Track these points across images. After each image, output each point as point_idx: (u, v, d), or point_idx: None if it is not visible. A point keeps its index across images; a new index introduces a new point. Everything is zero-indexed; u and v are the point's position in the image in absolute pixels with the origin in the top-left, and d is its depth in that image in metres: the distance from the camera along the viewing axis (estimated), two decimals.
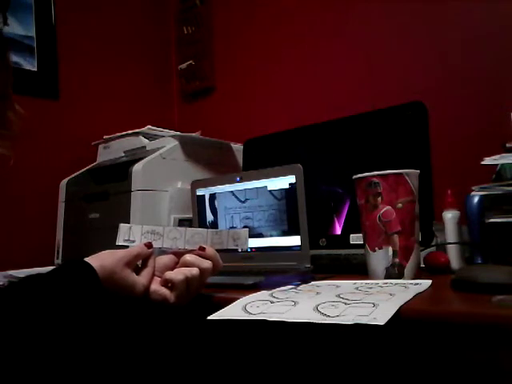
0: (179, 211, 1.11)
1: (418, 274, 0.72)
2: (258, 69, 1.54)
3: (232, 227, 0.96)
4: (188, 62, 1.71)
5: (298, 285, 0.71)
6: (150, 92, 1.71)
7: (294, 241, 0.87)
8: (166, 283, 0.65)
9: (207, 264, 0.66)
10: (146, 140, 1.24)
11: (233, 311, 0.57)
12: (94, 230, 1.17)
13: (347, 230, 0.99)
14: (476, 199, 0.78)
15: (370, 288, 0.63)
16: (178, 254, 0.69)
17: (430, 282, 0.65)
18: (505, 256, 0.72)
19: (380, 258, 0.71)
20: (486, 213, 0.76)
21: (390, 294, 0.57)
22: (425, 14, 1.18)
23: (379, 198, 0.71)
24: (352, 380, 0.61)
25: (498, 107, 0.88)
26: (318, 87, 1.38)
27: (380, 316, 0.48)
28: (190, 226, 1.04)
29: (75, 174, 1.33)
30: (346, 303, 0.55)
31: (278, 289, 0.68)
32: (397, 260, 0.70)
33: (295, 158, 0.96)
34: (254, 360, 0.70)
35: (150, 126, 1.27)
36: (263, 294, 0.64)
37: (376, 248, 0.72)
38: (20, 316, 0.52)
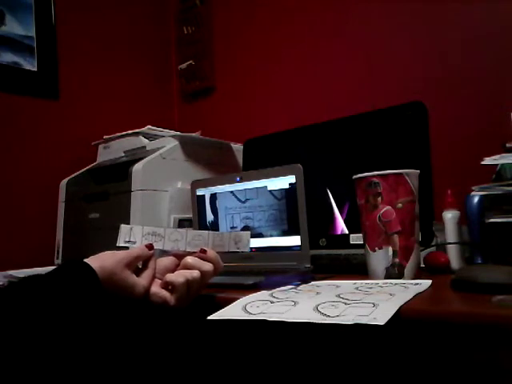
0: (179, 211, 1.11)
1: (418, 274, 0.72)
2: (258, 69, 1.54)
3: (232, 227, 0.96)
4: (188, 62, 1.71)
5: (298, 285, 0.71)
6: (150, 92, 1.71)
7: (294, 241, 0.87)
8: (167, 285, 0.65)
9: (208, 266, 0.66)
10: (146, 140, 1.24)
11: (233, 311, 0.57)
12: (94, 230, 1.17)
13: (347, 230, 0.99)
14: (476, 199, 0.78)
15: (370, 288, 0.63)
16: (179, 256, 0.68)
17: (429, 281, 0.65)
18: (505, 256, 0.72)
19: (380, 258, 0.71)
20: (486, 213, 0.76)
21: (390, 294, 0.57)
22: (425, 14, 1.18)
23: (379, 198, 0.71)
24: (352, 380, 0.61)
25: (498, 107, 0.88)
26: (318, 87, 1.38)
27: (380, 316, 0.48)
28: (190, 225, 1.04)
29: (75, 174, 1.33)
30: (346, 303, 0.55)
31: (277, 289, 0.68)
32: (397, 260, 0.70)
33: (295, 157, 0.96)
34: (254, 360, 0.70)
35: (149, 126, 1.27)
36: (263, 294, 0.64)
37: (376, 248, 0.72)
38: (19, 316, 0.52)
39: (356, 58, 1.31)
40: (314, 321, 0.50)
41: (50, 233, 1.30)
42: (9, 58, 1.36)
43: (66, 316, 0.55)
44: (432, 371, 0.53)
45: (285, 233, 0.89)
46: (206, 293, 0.69)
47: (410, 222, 0.71)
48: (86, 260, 0.60)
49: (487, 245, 0.77)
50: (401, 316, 0.50)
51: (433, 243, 0.87)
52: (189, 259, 0.66)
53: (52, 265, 1.21)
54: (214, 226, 0.98)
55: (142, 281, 0.63)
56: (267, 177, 0.92)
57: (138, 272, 0.65)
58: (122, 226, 0.70)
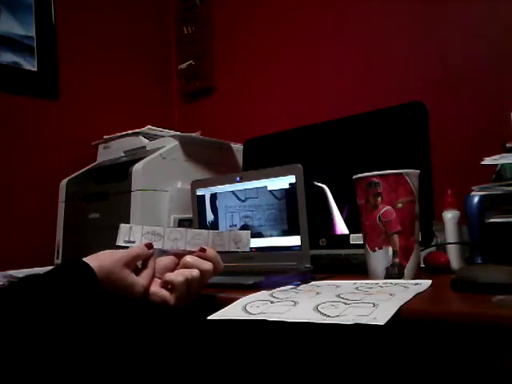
0: (179, 211, 1.11)
1: (418, 274, 0.72)
2: (258, 69, 1.54)
3: (232, 226, 0.96)
4: (188, 62, 1.71)
5: (298, 285, 0.71)
6: (150, 92, 1.71)
7: (294, 241, 0.87)
8: (166, 285, 0.64)
9: (208, 265, 0.66)
10: (146, 140, 1.24)
11: (233, 311, 0.57)
12: (94, 230, 1.17)
13: (347, 230, 0.99)
14: (476, 199, 0.78)
15: (370, 288, 0.63)
16: (179, 256, 0.68)
17: (429, 281, 0.65)
18: (505, 256, 0.72)
19: (380, 258, 0.71)
20: (486, 213, 0.76)
21: (390, 294, 0.57)
22: (425, 14, 1.18)
23: (379, 198, 0.71)
24: (352, 380, 0.61)
25: (498, 107, 0.88)
26: (318, 87, 1.38)
27: (380, 316, 0.48)
28: (190, 225, 1.04)
29: (75, 174, 1.33)
30: (346, 303, 0.55)
31: (278, 289, 0.68)
32: (397, 260, 0.70)
33: (295, 157, 0.96)
34: (254, 360, 0.70)
35: (149, 126, 1.27)
36: (263, 294, 0.64)
37: (376, 248, 0.72)
38: (17, 316, 0.52)
39: (356, 58, 1.31)
40: (314, 321, 0.50)
41: (50, 233, 1.30)
42: (9, 57, 1.36)
43: (64, 315, 0.55)
44: (432, 371, 0.53)
45: (285, 233, 0.89)
46: (206, 293, 0.69)
47: (409, 222, 0.71)
48: (84, 259, 0.59)
49: (487, 245, 0.77)
50: (401, 316, 0.50)
51: (433, 243, 0.87)
52: (188, 258, 0.66)
53: (52, 265, 1.21)
54: (214, 226, 0.98)
55: (141, 280, 0.63)
56: (267, 177, 0.92)
57: (138, 271, 0.65)
58: (122, 225, 0.70)
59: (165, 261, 0.68)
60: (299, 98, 1.42)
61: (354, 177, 0.75)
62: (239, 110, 1.58)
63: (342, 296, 0.59)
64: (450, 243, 0.81)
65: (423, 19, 1.18)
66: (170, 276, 0.64)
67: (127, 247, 0.67)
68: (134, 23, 1.68)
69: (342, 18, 1.34)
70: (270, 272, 0.82)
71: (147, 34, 1.72)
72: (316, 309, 0.53)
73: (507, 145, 0.77)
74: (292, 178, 0.88)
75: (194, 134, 1.22)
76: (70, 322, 0.55)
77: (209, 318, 0.57)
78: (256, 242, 0.92)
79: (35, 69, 1.41)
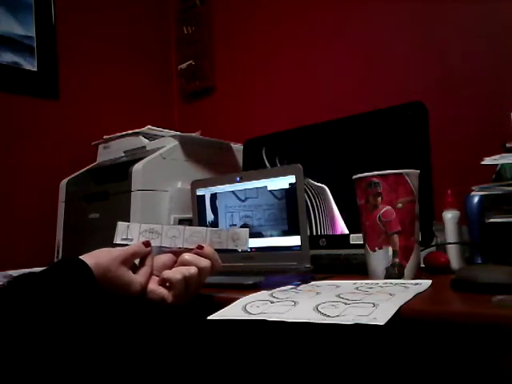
0: (179, 211, 1.11)
1: (418, 274, 0.72)
2: (258, 69, 1.54)
3: (232, 225, 0.96)
4: (188, 62, 1.71)
5: (298, 285, 0.71)
6: (150, 92, 1.71)
7: (294, 241, 0.87)
8: (164, 283, 0.64)
9: (205, 263, 0.66)
10: (146, 140, 1.24)
11: (233, 311, 0.57)
12: (94, 229, 1.17)
13: (347, 230, 0.99)
14: (476, 199, 0.78)
15: (370, 288, 0.63)
16: (177, 253, 0.68)
17: (429, 281, 0.65)
18: (505, 256, 0.72)
19: (380, 258, 0.71)
20: (486, 213, 0.76)
21: (390, 294, 0.57)
22: (425, 14, 1.18)
23: (379, 198, 0.71)
24: (352, 380, 0.61)
25: (498, 107, 0.88)
26: (318, 87, 1.38)
27: (380, 316, 0.48)
28: (190, 225, 1.04)
29: (75, 174, 1.33)
30: (346, 303, 0.55)
31: (278, 289, 0.68)
32: (397, 260, 0.70)
33: (295, 157, 0.96)
34: (254, 360, 0.70)
35: (149, 126, 1.27)
36: (263, 294, 0.64)
37: (376, 248, 0.72)
38: (14, 314, 0.52)
39: (356, 58, 1.31)
40: (314, 321, 0.50)
41: (50, 233, 1.30)
42: (9, 57, 1.36)
43: (60, 314, 0.54)
44: (432, 371, 0.53)
45: (285, 233, 0.89)
46: (206, 293, 0.69)
47: (410, 222, 0.71)
48: (81, 257, 0.59)
49: (487, 245, 0.77)
50: (401, 316, 0.50)
51: (433, 243, 0.87)
52: (186, 256, 0.66)
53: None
54: (214, 226, 0.98)
55: (138, 278, 0.63)
56: (267, 177, 0.92)
57: (135, 269, 0.64)
58: (119, 223, 0.70)
59: (163, 258, 0.68)
60: (299, 98, 1.42)
61: (354, 177, 0.75)
62: (239, 110, 1.58)
63: (342, 296, 0.59)
64: (450, 243, 0.81)
65: (423, 19, 1.18)
66: (167, 274, 0.64)
67: (125, 245, 0.66)
68: (134, 23, 1.68)
69: (341, 17, 1.34)
70: (270, 272, 0.82)
71: (147, 33, 1.72)
72: (316, 309, 0.53)
73: (507, 145, 0.77)
74: (292, 178, 0.88)
75: (193, 134, 1.22)
76: (67, 321, 0.55)
77: (209, 318, 0.57)
78: (256, 242, 0.92)
79: (35, 69, 1.41)
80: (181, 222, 1.09)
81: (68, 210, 1.28)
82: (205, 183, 1.02)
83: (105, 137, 1.36)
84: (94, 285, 0.58)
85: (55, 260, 1.27)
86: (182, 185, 1.12)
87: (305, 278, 0.77)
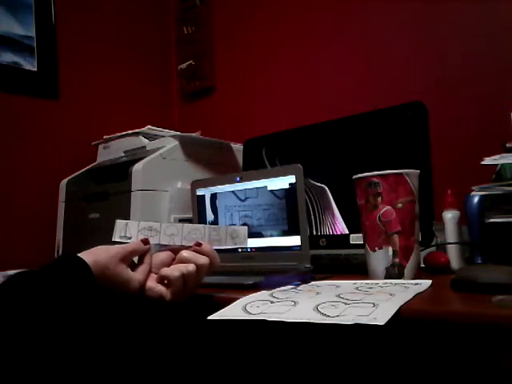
0: (179, 211, 1.11)
1: (418, 274, 0.72)
2: (258, 69, 1.54)
3: (231, 225, 0.95)
4: (188, 62, 1.71)
5: (298, 285, 0.71)
6: (150, 92, 1.71)
7: (294, 241, 0.87)
8: (162, 280, 0.64)
9: (204, 260, 0.65)
10: (146, 140, 1.24)
11: (233, 311, 0.57)
12: (94, 229, 1.17)
13: (347, 230, 0.99)
14: (476, 199, 0.78)
15: (370, 288, 0.63)
16: (176, 251, 0.68)
17: (429, 282, 0.65)
18: (505, 256, 0.72)
19: (380, 258, 0.71)
20: (486, 213, 0.76)
21: (390, 294, 0.57)
22: (425, 14, 1.18)
23: (379, 198, 0.71)
24: (352, 380, 0.61)
25: (498, 107, 0.88)
26: (318, 87, 1.38)
27: (380, 316, 0.48)
28: None
29: (75, 174, 1.33)
30: (346, 303, 0.55)
31: (278, 289, 0.68)
32: (397, 260, 0.70)
33: (295, 158, 0.96)
34: (254, 360, 0.70)
35: (149, 126, 1.27)
36: (263, 294, 0.64)
37: (376, 248, 0.72)
38: (11, 312, 0.51)
39: (356, 58, 1.31)
40: (314, 321, 0.50)
41: (50, 233, 1.30)
42: (9, 57, 1.36)
43: (59, 311, 0.54)
44: (432, 371, 0.53)
45: (285, 233, 0.89)
46: (206, 293, 0.69)
47: (410, 222, 0.71)
48: (79, 254, 0.59)
49: (487, 245, 0.77)
50: (401, 316, 0.50)
51: (433, 243, 0.87)
52: (184, 253, 0.65)
53: None
54: None
55: (137, 275, 0.63)
56: (267, 177, 0.92)
57: (134, 267, 0.64)
58: (118, 221, 0.70)
59: (161, 256, 0.68)
60: (299, 98, 1.42)
61: (354, 177, 0.75)
62: (239, 110, 1.58)
63: (341, 296, 0.59)
64: (450, 243, 0.81)
65: (423, 19, 1.18)
66: (165, 271, 0.64)
67: (123, 243, 0.66)
68: (134, 23, 1.68)
69: (341, 17, 1.34)
70: (269, 272, 0.82)
71: (147, 33, 1.72)
72: (316, 309, 0.53)
73: (507, 145, 0.77)
74: (292, 178, 0.88)
75: (193, 134, 1.22)
76: (65, 318, 0.55)
77: (209, 318, 0.57)
78: (256, 242, 0.92)
79: (35, 69, 1.41)
80: (181, 221, 1.09)
81: (68, 210, 1.28)
82: (205, 183, 1.02)
83: (105, 137, 1.36)
84: (92, 282, 0.57)
85: None
86: (182, 185, 1.12)
87: (305, 277, 0.77)
